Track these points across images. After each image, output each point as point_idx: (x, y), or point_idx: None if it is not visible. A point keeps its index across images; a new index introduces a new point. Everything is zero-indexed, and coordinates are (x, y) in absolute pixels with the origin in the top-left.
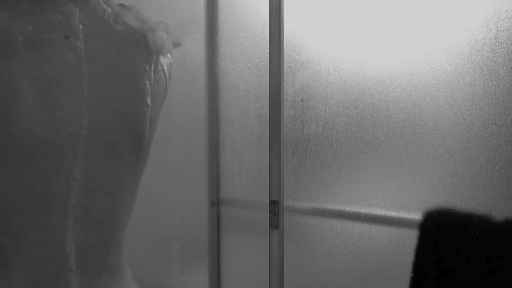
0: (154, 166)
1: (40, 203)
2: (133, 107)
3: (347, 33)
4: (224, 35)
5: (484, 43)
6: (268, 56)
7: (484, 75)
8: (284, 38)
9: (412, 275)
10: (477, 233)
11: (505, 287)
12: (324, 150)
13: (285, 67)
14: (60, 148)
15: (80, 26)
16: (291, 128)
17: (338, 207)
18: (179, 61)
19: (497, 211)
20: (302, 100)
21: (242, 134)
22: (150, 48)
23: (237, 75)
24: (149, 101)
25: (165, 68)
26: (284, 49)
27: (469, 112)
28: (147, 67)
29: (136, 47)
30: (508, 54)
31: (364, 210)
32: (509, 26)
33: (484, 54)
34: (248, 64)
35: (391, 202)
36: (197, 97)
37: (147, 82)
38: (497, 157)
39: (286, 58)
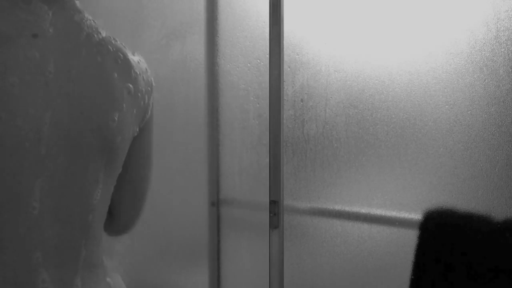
0: (154, 166)
1: (4, 202)
2: (100, 110)
3: (347, 33)
4: (224, 35)
5: (484, 43)
6: (268, 56)
7: (484, 76)
8: (284, 38)
9: (412, 275)
10: (477, 233)
11: (505, 287)
12: (324, 150)
13: (285, 67)
14: (20, 148)
15: (51, 28)
16: (291, 128)
17: (338, 207)
18: (179, 61)
19: (497, 211)
20: (302, 100)
21: (242, 134)
22: (126, 60)
23: (237, 75)
24: (118, 105)
25: (141, 76)
26: (284, 49)
27: (469, 112)
28: (119, 74)
29: (108, 55)
30: (508, 54)
31: (364, 210)
32: (509, 26)
33: (484, 54)
34: (248, 64)
35: (391, 202)
36: (197, 97)
37: (117, 87)
38: (497, 157)
39: (286, 58)
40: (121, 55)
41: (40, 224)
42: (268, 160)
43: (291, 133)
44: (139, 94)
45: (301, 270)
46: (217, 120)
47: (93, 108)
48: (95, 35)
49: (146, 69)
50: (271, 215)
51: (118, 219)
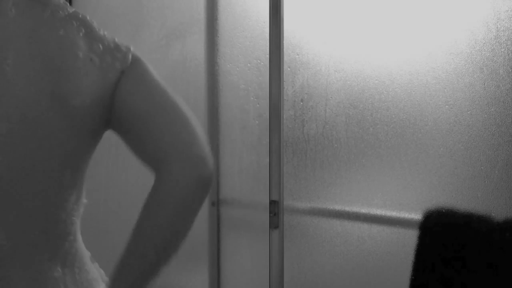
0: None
1: None
2: (61, 87)
3: (347, 33)
4: (224, 35)
5: (484, 43)
6: (268, 56)
7: (484, 76)
8: (284, 38)
9: (412, 275)
10: (477, 233)
11: (505, 287)
12: (324, 150)
13: (285, 67)
14: None
15: (13, 8)
16: (291, 128)
17: (338, 207)
18: (179, 61)
19: (497, 211)
20: (302, 100)
21: (242, 134)
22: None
23: (237, 75)
24: (79, 73)
25: (107, 47)
26: (284, 49)
27: (469, 112)
28: (81, 45)
29: (71, 28)
30: (508, 54)
31: (364, 210)
32: (509, 26)
33: (484, 54)
34: (248, 64)
35: (391, 202)
36: (197, 97)
37: (78, 57)
38: (497, 157)
39: (286, 58)
40: (84, 29)
41: (4, 216)
42: (268, 160)
43: (291, 133)
44: (104, 64)
45: (301, 270)
46: (217, 120)
47: (54, 87)
48: (60, 11)
49: (115, 43)
50: (271, 215)
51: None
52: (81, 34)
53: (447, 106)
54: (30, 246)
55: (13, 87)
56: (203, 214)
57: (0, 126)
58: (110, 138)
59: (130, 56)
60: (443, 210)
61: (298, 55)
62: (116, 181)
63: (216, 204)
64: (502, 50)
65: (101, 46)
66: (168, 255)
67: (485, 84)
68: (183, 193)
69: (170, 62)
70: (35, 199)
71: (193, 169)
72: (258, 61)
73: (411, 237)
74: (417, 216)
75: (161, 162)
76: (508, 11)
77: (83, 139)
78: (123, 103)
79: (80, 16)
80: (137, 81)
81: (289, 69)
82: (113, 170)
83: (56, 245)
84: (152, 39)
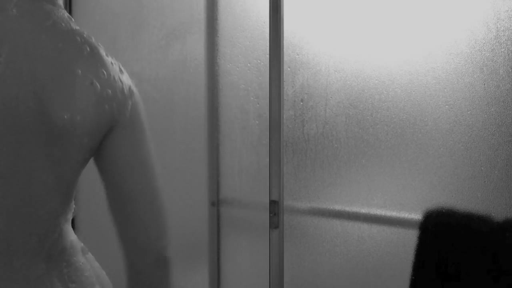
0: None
1: None
2: (49, 98)
3: (347, 33)
4: (224, 35)
5: (484, 43)
6: (268, 56)
7: (484, 76)
8: (284, 38)
9: (412, 275)
10: (477, 233)
11: (505, 287)
12: (324, 150)
13: (285, 67)
14: None
15: (15, 9)
16: (291, 128)
17: (338, 207)
18: (179, 61)
19: (497, 211)
20: (302, 100)
21: (242, 134)
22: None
23: (237, 75)
24: (74, 93)
25: (113, 78)
26: (284, 49)
27: (469, 112)
28: (82, 64)
29: (73, 44)
30: (508, 54)
31: (364, 210)
32: (509, 26)
33: (484, 54)
34: (248, 64)
35: (391, 202)
36: (197, 97)
37: (77, 77)
38: (497, 157)
39: (286, 58)
40: (89, 48)
41: None
42: (268, 160)
43: (291, 133)
44: (105, 94)
45: (301, 270)
46: (217, 120)
47: (45, 90)
48: (64, 25)
49: (120, 78)
50: (271, 215)
51: (136, 244)
52: (84, 53)
53: (447, 106)
54: (11, 245)
55: (2, 83)
56: (203, 214)
57: None
58: None
59: (130, 103)
60: (443, 210)
61: (298, 55)
62: None
63: (216, 204)
64: (502, 50)
65: (105, 74)
66: None
67: (485, 84)
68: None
69: (170, 62)
70: (15, 199)
71: (153, 266)
72: (258, 61)
73: (411, 237)
74: (417, 216)
75: (127, 245)
76: (508, 11)
77: (70, 155)
78: (110, 152)
79: (85, 35)
80: (130, 140)
81: (289, 69)
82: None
83: (38, 244)
84: (152, 39)
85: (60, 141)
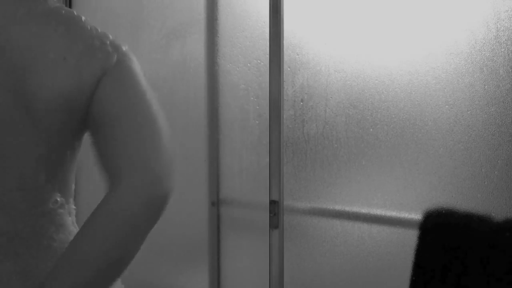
0: None
1: None
2: (25, 86)
3: (348, 33)
4: (224, 35)
5: (484, 43)
6: (268, 56)
7: (484, 76)
8: (284, 38)
9: (412, 275)
10: (477, 233)
11: (505, 287)
12: (324, 150)
13: (285, 67)
14: None
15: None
16: (291, 128)
17: (338, 207)
18: (179, 61)
19: (497, 211)
20: (302, 100)
21: (242, 134)
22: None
23: (237, 75)
24: (46, 79)
25: (90, 44)
26: (284, 49)
27: (469, 112)
28: (54, 44)
29: (47, 25)
30: (508, 54)
31: (364, 210)
32: (509, 26)
33: (484, 54)
34: (248, 64)
35: (391, 202)
36: (197, 97)
37: (48, 60)
38: (497, 157)
39: (286, 58)
40: (64, 26)
41: None
42: (268, 160)
43: (291, 133)
44: (81, 64)
45: (301, 270)
46: (217, 120)
47: (18, 78)
48: (39, 6)
49: (102, 41)
50: (271, 215)
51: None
52: (59, 32)
53: (447, 106)
54: (4, 238)
55: None
56: (203, 214)
57: None
58: None
59: (115, 57)
60: (443, 210)
61: (298, 55)
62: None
63: (216, 204)
64: (502, 50)
65: (80, 46)
66: (106, 275)
67: (485, 84)
68: (131, 211)
69: (170, 62)
70: (5, 193)
71: (145, 188)
72: (258, 61)
73: (411, 237)
74: (417, 216)
75: (116, 173)
76: (508, 11)
77: (53, 139)
78: (98, 104)
79: (63, 11)
80: (117, 83)
81: (289, 69)
82: None
83: (35, 237)
84: (152, 39)
85: (44, 128)
